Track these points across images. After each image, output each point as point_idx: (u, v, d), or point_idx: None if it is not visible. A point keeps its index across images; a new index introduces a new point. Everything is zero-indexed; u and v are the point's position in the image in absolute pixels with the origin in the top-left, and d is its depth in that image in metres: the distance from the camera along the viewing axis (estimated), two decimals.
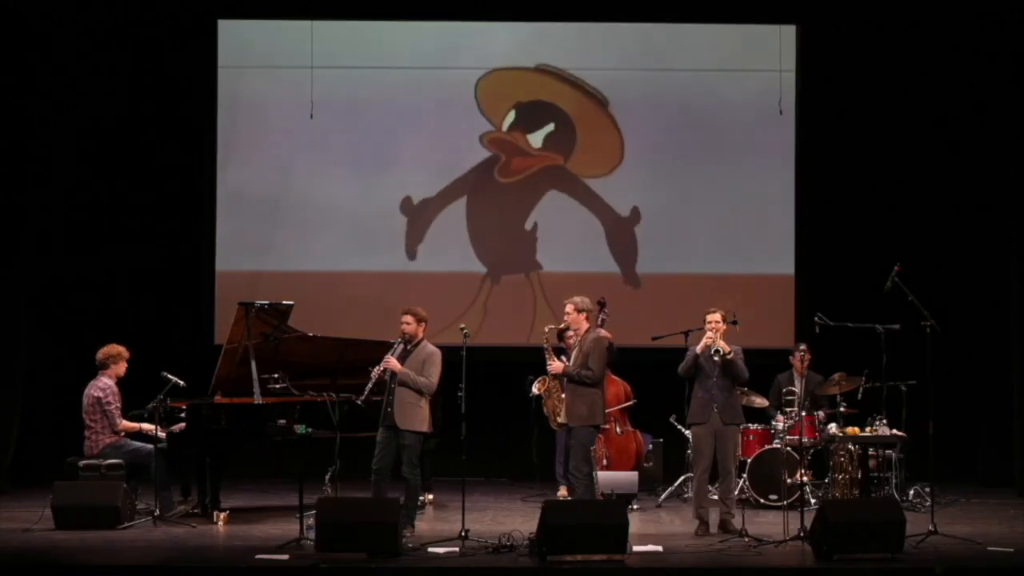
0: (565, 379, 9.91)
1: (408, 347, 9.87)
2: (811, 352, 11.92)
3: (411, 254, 13.49)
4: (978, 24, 12.95)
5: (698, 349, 10.08)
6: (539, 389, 10.54)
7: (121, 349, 10.86)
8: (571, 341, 10.41)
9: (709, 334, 10.05)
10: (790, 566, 8.78)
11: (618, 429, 11.86)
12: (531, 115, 13.63)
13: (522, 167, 13.63)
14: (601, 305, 11.65)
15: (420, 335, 9.91)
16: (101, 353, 10.83)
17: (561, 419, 10.00)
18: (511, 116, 13.62)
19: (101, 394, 10.66)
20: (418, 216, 13.53)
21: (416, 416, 9.80)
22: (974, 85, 13.08)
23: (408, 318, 9.88)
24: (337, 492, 10.32)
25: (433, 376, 9.82)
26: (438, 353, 9.92)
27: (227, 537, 9.77)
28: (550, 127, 13.63)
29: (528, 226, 13.60)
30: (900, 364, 10.98)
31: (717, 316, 10.10)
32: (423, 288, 13.20)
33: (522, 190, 13.62)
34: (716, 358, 9.97)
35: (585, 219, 13.56)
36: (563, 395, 9.97)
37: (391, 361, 9.78)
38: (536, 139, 13.64)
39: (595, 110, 13.61)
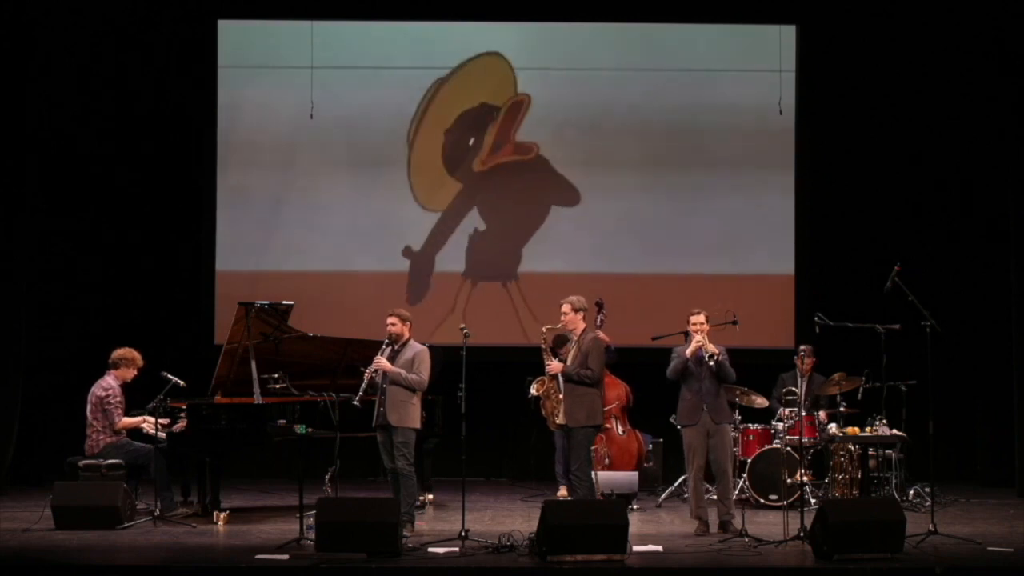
0: (563, 379, 9.90)
1: (396, 347, 9.94)
2: (814, 354, 11.88)
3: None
4: (978, 24, 12.94)
5: (687, 353, 10.01)
6: (538, 390, 10.55)
7: (136, 356, 10.89)
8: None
9: (697, 337, 9.99)
10: (790, 566, 8.78)
11: (620, 429, 11.86)
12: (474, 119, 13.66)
13: (519, 152, 13.65)
14: (599, 306, 11.65)
15: (406, 335, 9.98)
16: (115, 353, 10.89)
17: (560, 420, 10.00)
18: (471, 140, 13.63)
19: (103, 393, 10.70)
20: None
21: (409, 413, 9.88)
22: (974, 84, 13.08)
23: (393, 319, 9.97)
24: (337, 492, 10.33)
25: (424, 373, 9.90)
26: (426, 351, 10.00)
27: (227, 537, 9.77)
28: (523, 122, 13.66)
29: (527, 227, 13.62)
30: (900, 364, 10.98)
31: (701, 317, 10.02)
32: (423, 288, 13.23)
33: (515, 191, 13.61)
34: (711, 362, 9.94)
35: (582, 219, 13.58)
36: (561, 396, 9.95)
37: (382, 361, 9.85)
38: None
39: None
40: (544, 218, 13.60)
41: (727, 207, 13.49)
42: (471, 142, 13.63)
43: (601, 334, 11.20)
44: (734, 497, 10.28)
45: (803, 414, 11.14)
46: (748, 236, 13.48)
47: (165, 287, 13.41)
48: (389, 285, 13.32)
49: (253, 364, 10.52)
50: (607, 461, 11.65)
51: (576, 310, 9.98)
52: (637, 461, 11.87)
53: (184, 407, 10.47)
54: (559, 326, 10.09)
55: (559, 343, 10.44)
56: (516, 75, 13.57)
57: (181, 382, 10.55)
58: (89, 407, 10.73)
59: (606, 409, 11.48)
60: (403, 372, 9.84)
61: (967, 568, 8.66)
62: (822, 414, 11.72)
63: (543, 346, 10.10)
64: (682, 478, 11.73)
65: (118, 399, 10.74)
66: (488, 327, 13.16)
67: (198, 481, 10.82)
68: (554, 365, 9.97)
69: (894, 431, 11.12)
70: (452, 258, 13.54)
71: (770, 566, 8.75)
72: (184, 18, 13.48)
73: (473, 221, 13.60)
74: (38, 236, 12.80)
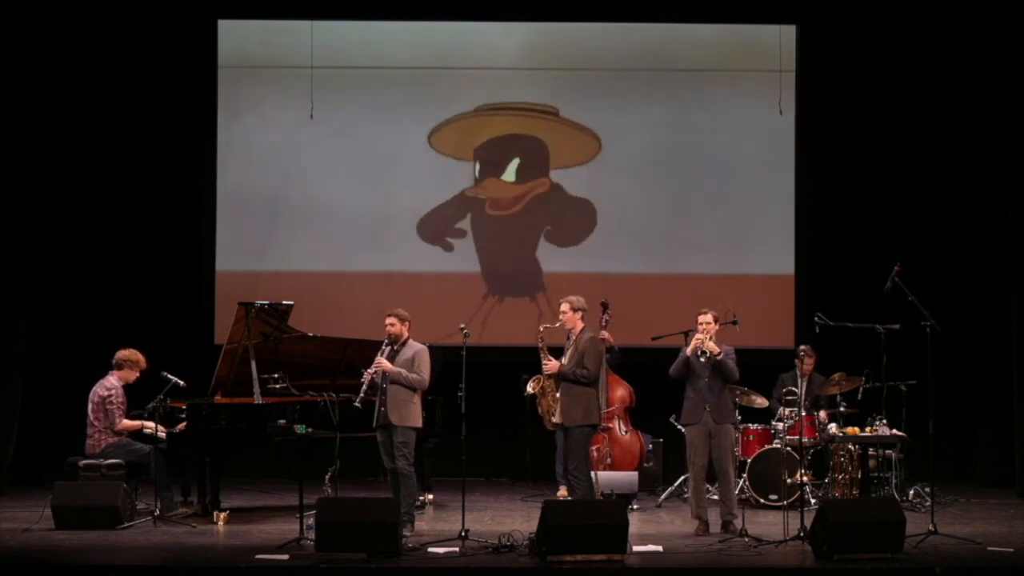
0: (560, 378, 9.91)
1: (395, 347, 9.96)
2: (814, 354, 11.88)
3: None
4: (978, 24, 12.94)
5: (688, 351, 10.05)
6: (533, 388, 10.55)
7: (140, 358, 10.90)
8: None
9: (698, 335, 10.02)
10: (790, 566, 8.78)
11: (623, 429, 11.85)
12: (493, 154, 13.60)
13: (510, 204, 13.63)
14: (604, 307, 11.65)
15: (405, 334, 10.00)
16: (119, 354, 10.90)
17: (556, 419, 10.00)
18: (476, 166, 13.62)
19: (106, 393, 10.71)
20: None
21: (410, 412, 9.90)
22: (974, 84, 13.08)
23: (392, 319, 9.98)
24: (337, 492, 10.33)
25: (424, 372, 9.91)
26: (426, 350, 10.02)
27: (227, 537, 9.77)
28: (516, 160, 13.61)
29: (530, 230, 13.62)
30: (900, 364, 10.98)
31: (708, 317, 10.05)
32: (424, 288, 13.24)
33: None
34: (703, 359, 9.96)
35: (583, 221, 13.57)
36: (557, 395, 9.96)
37: (382, 362, 9.87)
38: (509, 175, 13.63)
39: (550, 121, 13.60)
40: (545, 221, 13.63)
41: (727, 207, 13.50)
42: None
43: (606, 334, 11.22)
44: (735, 498, 10.28)
45: (803, 414, 11.14)
46: (748, 236, 13.48)
47: (165, 287, 13.41)
48: (389, 285, 13.32)
49: (253, 364, 10.52)
50: (609, 461, 11.65)
51: (575, 310, 9.99)
52: (639, 461, 11.87)
53: (184, 407, 10.48)
54: (557, 325, 10.10)
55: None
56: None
57: (181, 382, 10.55)
58: (91, 406, 10.73)
59: (610, 409, 11.52)
60: (404, 371, 9.85)
61: (967, 568, 8.66)
62: (822, 414, 11.72)
63: (541, 345, 10.10)
64: (682, 478, 11.74)
65: (120, 400, 10.74)
66: (492, 327, 13.22)
67: (198, 481, 10.82)
68: (551, 364, 9.97)
69: (894, 431, 11.12)
70: (455, 259, 13.57)
71: (770, 566, 8.74)
72: (184, 18, 13.48)
73: (474, 221, 13.63)
74: (38, 236, 12.79)
